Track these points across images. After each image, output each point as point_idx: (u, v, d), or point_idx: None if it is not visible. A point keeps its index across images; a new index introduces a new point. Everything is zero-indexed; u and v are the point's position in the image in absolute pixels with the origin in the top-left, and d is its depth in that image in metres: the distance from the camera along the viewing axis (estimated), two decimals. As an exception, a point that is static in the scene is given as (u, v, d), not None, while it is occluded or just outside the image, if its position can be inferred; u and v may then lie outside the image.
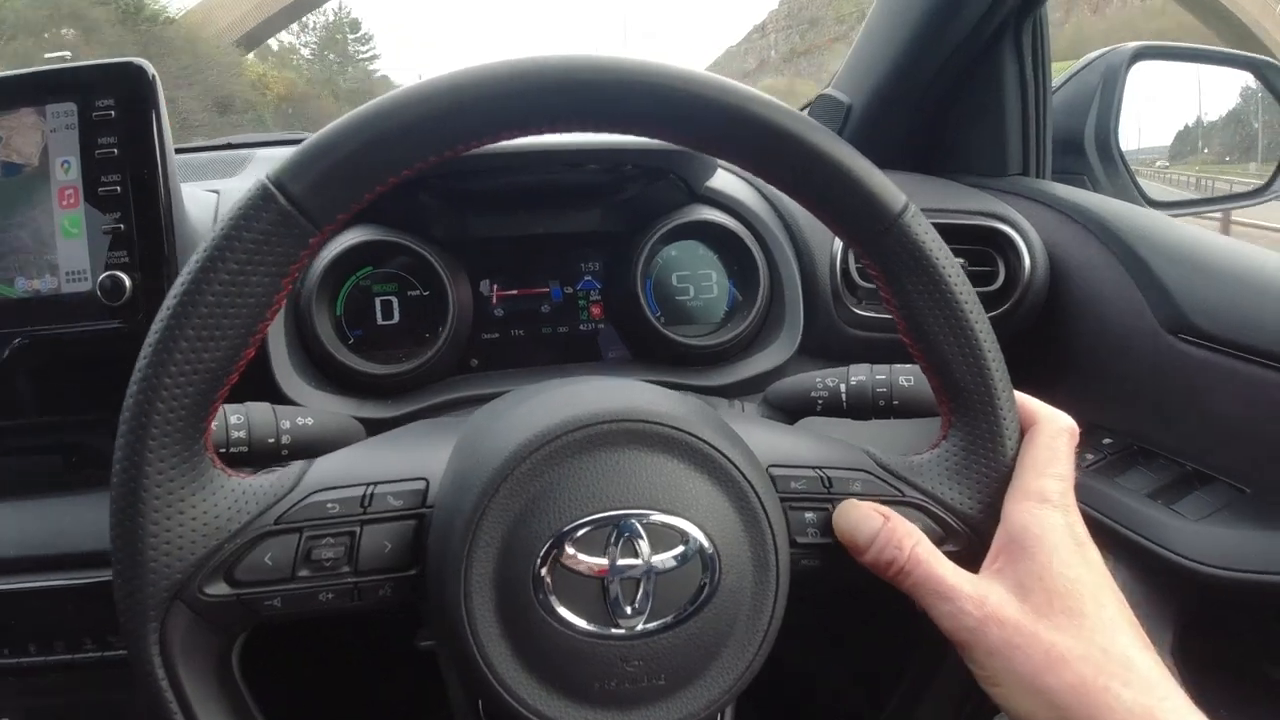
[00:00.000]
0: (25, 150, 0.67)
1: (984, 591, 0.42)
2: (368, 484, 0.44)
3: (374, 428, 0.69)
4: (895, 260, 0.44)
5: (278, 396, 0.69)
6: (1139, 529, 0.72)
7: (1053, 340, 0.83)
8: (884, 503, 0.46)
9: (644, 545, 0.40)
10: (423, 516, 0.44)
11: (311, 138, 0.40)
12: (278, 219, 0.39)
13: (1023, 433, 0.47)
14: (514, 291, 0.81)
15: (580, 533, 0.40)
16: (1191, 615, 0.71)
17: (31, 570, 0.69)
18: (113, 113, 0.66)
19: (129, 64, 0.67)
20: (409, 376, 0.74)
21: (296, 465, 0.45)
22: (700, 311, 0.83)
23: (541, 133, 0.42)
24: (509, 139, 0.42)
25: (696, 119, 0.41)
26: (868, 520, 0.44)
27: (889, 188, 0.43)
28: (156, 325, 0.39)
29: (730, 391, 0.78)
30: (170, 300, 0.39)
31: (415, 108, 0.39)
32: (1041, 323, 0.83)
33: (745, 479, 0.42)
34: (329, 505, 0.43)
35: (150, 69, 0.67)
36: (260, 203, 0.39)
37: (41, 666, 0.69)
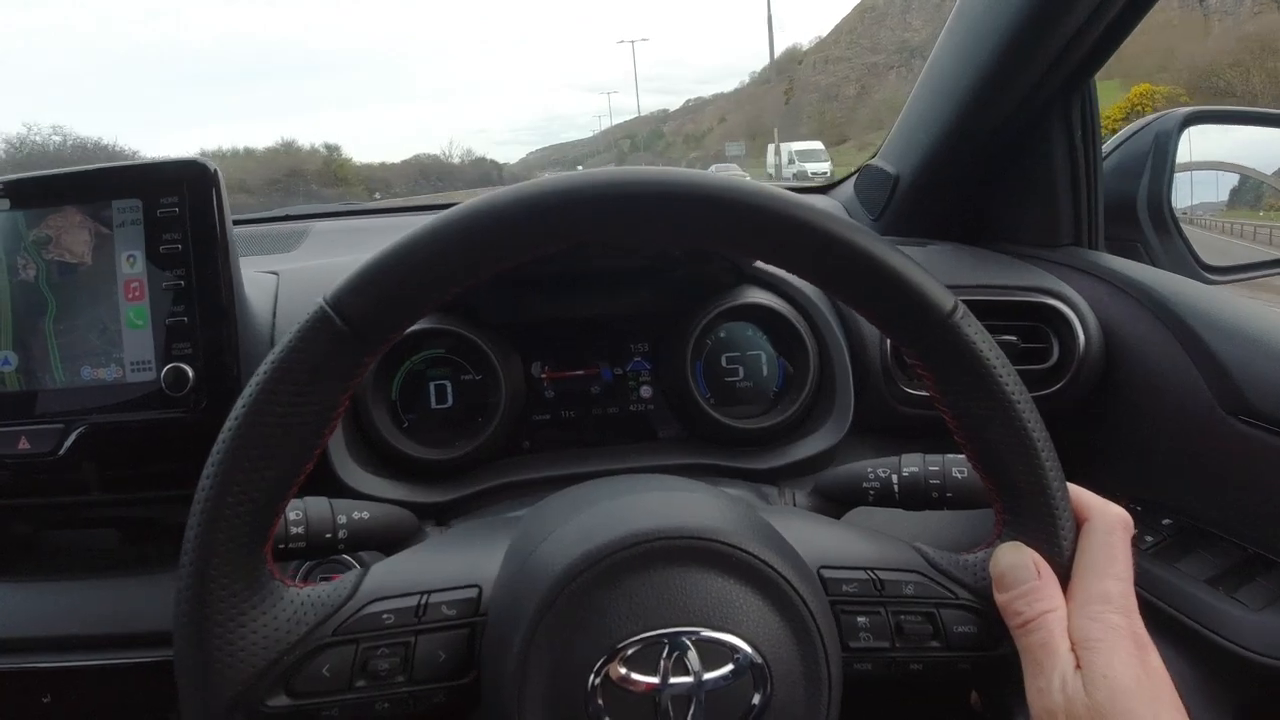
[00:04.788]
0: (76, 249, 0.69)
1: (1073, 683, 0.42)
2: (422, 592, 0.45)
3: (428, 512, 0.70)
4: (945, 359, 0.44)
5: (333, 480, 0.71)
6: (1198, 618, 0.70)
7: (1108, 417, 0.82)
8: (936, 605, 0.47)
9: (695, 662, 0.40)
10: (475, 625, 0.44)
11: (367, 259, 0.40)
12: (334, 341, 0.40)
13: (1077, 528, 0.46)
14: (565, 373, 0.82)
15: (632, 650, 0.40)
16: (1250, 707, 0.69)
17: (90, 648, 0.71)
18: (177, 209, 0.68)
19: (193, 162, 0.69)
20: (463, 461, 0.74)
21: (352, 574, 0.46)
22: (750, 392, 0.82)
23: (574, 244, 0.42)
24: (550, 252, 0.42)
25: (748, 229, 0.42)
26: (1025, 570, 0.45)
27: (938, 288, 0.43)
28: (219, 447, 0.40)
29: (782, 474, 0.78)
30: (232, 422, 0.40)
31: (475, 221, 0.40)
32: (1096, 399, 0.82)
33: (796, 593, 0.42)
34: (384, 616, 0.44)
35: (213, 166, 0.69)
36: (318, 325, 0.40)
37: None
